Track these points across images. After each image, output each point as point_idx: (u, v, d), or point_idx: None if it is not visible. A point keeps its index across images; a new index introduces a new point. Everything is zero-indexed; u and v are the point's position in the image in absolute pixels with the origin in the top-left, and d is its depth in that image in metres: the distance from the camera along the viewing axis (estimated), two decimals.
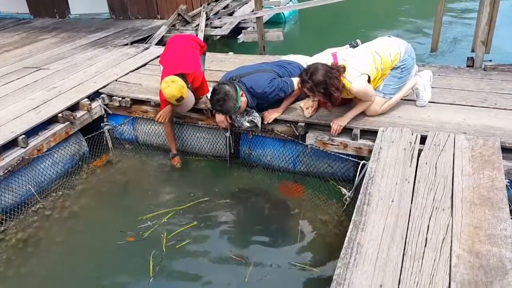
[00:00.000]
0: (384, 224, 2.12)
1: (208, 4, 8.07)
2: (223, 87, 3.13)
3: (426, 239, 2.01)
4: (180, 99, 3.23)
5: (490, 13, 3.75)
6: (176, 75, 3.29)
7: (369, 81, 2.97)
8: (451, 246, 1.95)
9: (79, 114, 3.89)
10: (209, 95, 3.43)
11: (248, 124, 3.41)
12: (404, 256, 1.93)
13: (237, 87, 3.18)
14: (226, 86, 3.14)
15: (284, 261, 2.80)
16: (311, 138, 3.28)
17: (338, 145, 3.19)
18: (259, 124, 3.40)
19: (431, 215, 2.16)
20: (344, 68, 2.88)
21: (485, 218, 2.09)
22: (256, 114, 3.40)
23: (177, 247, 2.96)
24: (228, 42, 6.72)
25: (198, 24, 6.51)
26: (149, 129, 4.07)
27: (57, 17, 8.02)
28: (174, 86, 3.17)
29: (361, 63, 2.94)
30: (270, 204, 3.37)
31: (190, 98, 3.38)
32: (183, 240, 3.01)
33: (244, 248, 2.94)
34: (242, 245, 2.97)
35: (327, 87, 2.81)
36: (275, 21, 8.24)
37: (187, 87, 3.31)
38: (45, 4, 8.03)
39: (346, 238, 2.06)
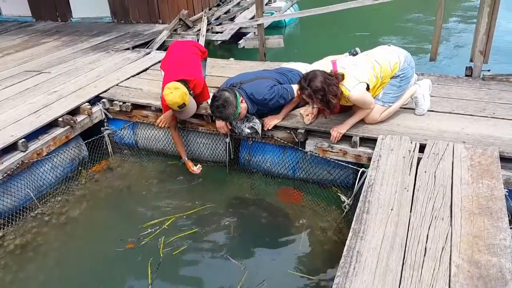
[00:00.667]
0: (383, 233, 2.13)
1: (210, 9, 8.11)
2: (223, 94, 3.15)
3: (426, 248, 2.02)
4: (182, 106, 3.24)
5: (488, 24, 3.78)
6: (177, 81, 3.31)
7: (368, 89, 2.99)
8: (450, 255, 1.95)
9: (79, 118, 3.89)
10: (209, 101, 3.45)
11: (248, 131, 3.42)
12: (404, 265, 1.94)
13: (237, 93, 3.20)
14: (226, 92, 3.16)
15: (281, 268, 2.80)
16: (310, 145, 3.29)
17: (337, 152, 3.21)
18: (260, 131, 3.41)
19: (430, 224, 2.17)
20: (343, 76, 2.90)
21: (485, 227, 2.10)
22: (257, 120, 3.42)
23: (174, 254, 2.96)
24: (229, 47, 6.75)
25: (200, 29, 6.55)
26: (149, 134, 4.08)
27: (59, 20, 8.05)
28: (177, 93, 3.18)
29: (360, 71, 2.96)
30: (269, 211, 3.37)
31: (192, 104, 3.39)
32: (182, 246, 3.01)
33: (242, 255, 2.93)
34: (239, 252, 2.96)
35: (325, 94, 2.83)
36: (276, 26, 8.29)
37: (189, 93, 3.32)
38: (47, 7, 8.06)
39: (346, 247, 2.06)
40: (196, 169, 3.72)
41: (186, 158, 3.74)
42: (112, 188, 3.76)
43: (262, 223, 3.25)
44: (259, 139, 3.53)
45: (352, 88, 2.89)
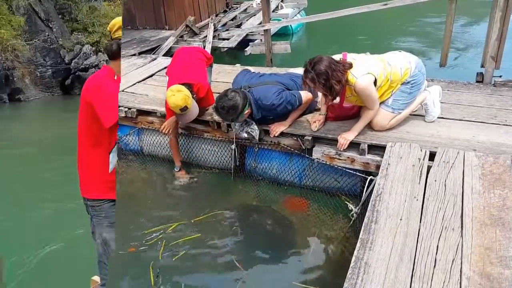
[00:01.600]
0: (392, 243, 2.07)
1: (216, 16, 8.13)
2: (236, 99, 3.11)
3: (435, 259, 1.95)
4: (184, 109, 3.23)
5: (500, 29, 3.72)
6: (181, 84, 3.30)
7: (375, 84, 2.91)
8: (461, 267, 1.89)
9: None
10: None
11: (245, 135, 3.42)
12: (413, 277, 1.87)
13: (247, 104, 3.17)
14: (238, 98, 3.12)
15: (286, 279, 2.73)
16: (318, 152, 3.24)
17: (345, 160, 3.15)
18: (256, 137, 3.41)
19: (440, 234, 2.10)
20: (350, 65, 2.84)
21: (496, 239, 2.03)
22: (255, 127, 3.40)
23: (174, 259, 2.92)
24: (235, 53, 6.75)
25: (206, 36, 6.56)
26: (155, 140, 4.06)
27: None
28: (179, 96, 3.17)
29: (370, 64, 2.90)
30: (274, 219, 3.32)
31: (194, 108, 3.37)
32: (183, 252, 2.97)
33: (245, 264, 2.87)
34: (242, 260, 2.90)
35: (328, 79, 2.75)
36: (283, 33, 8.27)
37: (192, 97, 3.31)
38: None
39: (353, 257, 2.00)
40: (183, 178, 3.74)
41: (181, 166, 3.75)
42: (117, 194, 3.73)
43: (267, 232, 3.20)
44: (256, 143, 3.50)
45: (360, 76, 2.82)
